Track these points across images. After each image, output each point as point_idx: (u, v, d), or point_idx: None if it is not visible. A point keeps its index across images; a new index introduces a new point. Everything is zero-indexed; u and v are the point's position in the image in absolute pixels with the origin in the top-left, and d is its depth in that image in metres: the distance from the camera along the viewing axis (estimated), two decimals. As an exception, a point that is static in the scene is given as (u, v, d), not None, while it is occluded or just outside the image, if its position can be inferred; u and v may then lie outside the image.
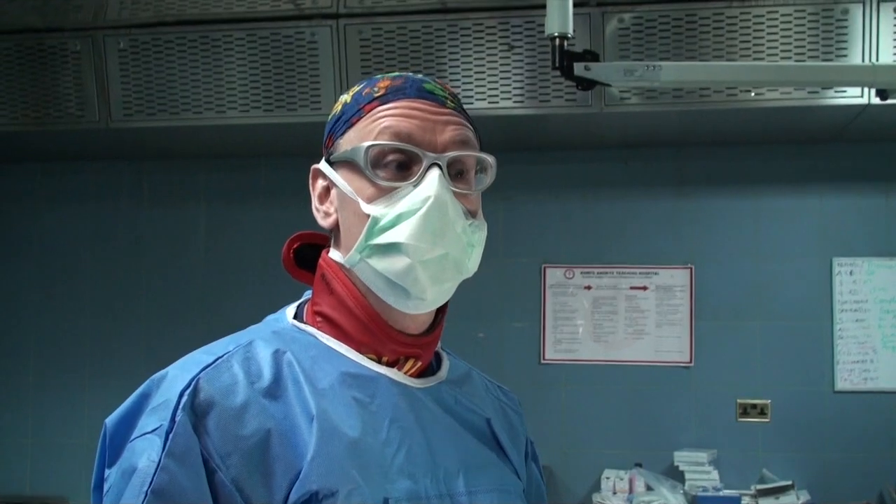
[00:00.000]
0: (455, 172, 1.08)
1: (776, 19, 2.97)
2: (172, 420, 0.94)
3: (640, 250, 3.57)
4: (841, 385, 3.42)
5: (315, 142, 1.20)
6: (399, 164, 1.06)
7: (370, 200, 1.06)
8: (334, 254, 1.12)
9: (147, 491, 0.92)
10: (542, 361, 3.60)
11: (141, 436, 0.96)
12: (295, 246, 1.18)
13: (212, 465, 0.94)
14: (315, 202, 1.15)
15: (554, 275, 3.62)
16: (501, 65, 3.10)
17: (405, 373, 1.10)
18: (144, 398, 1.00)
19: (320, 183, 1.14)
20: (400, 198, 1.05)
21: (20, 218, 3.94)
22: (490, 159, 1.11)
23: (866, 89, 2.91)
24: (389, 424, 1.03)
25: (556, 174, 3.65)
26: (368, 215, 1.05)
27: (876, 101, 2.48)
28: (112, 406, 1.03)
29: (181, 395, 0.96)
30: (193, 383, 0.97)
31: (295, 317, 1.13)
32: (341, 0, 3.14)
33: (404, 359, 1.10)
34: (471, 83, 3.11)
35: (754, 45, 2.99)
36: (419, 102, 1.08)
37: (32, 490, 3.78)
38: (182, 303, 3.79)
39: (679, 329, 3.53)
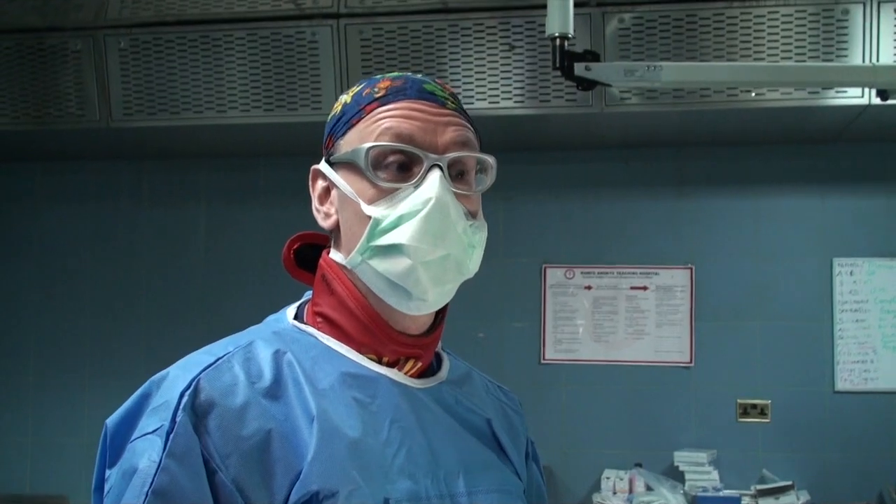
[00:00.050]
0: (456, 173, 1.08)
1: (776, 19, 2.97)
2: (173, 420, 0.94)
3: (640, 250, 3.57)
4: (841, 385, 3.42)
5: (316, 142, 1.20)
6: (400, 166, 1.06)
7: (371, 202, 1.05)
8: (335, 254, 1.12)
9: (148, 491, 0.92)
10: (543, 361, 3.60)
11: (141, 436, 0.96)
12: (295, 246, 1.18)
13: (212, 466, 0.94)
14: (315, 203, 1.14)
15: (554, 275, 3.62)
16: (502, 65, 3.10)
17: (406, 373, 1.10)
18: (145, 399, 1.00)
19: (320, 184, 1.14)
20: (401, 199, 1.04)
21: (20, 217, 3.94)
22: (491, 160, 1.11)
23: (867, 90, 2.91)
24: (390, 425, 1.03)
25: (557, 174, 3.65)
26: (370, 216, 1.05)
27: (876, 101, 2.48)
28: (112, 405, 1.03)
29: (182, 396, 0.96)
30: (194, 384, 0.97)
31: (295, 317, 1.13)
32: (342, 0, 3.14)
33: (405, 359, 1.10)
34: (471, 83, 3.11)
35: (755, 45, 2.98)
36: (420, 103, 1.08)
37: (32, 489, 3.78)
38: (182, 302, 3.79)
39: (679, 329, 3.53)
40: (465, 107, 1.15)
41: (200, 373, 0.98)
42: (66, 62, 3.31)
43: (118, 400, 1.04)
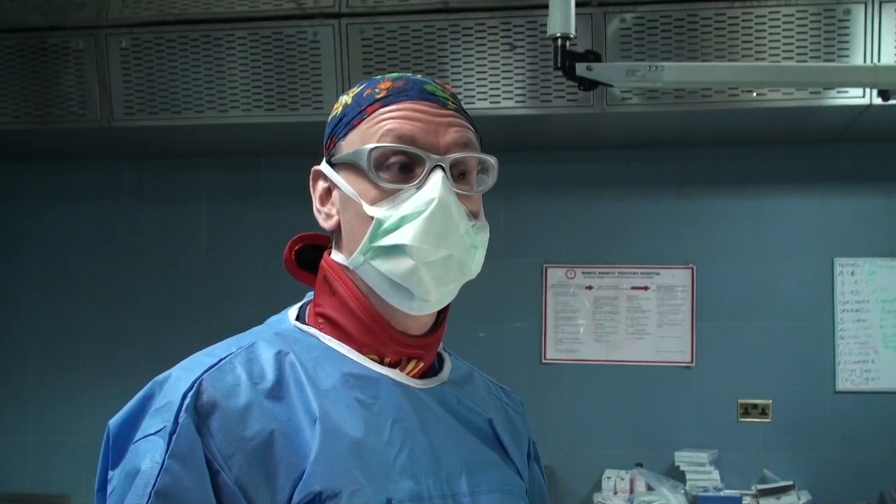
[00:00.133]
0: (457, 174, 1.08)
1: (778, 20, 2.97)
2: (176, 421, 0.94)
3: (641, 250, 3.57)
4: (842, 385, 3.42)
5: (317, 141, 1.20)
6: (402, 166, 1.06)
7: (373, 202, 1.06)
8: (336, 255, 1.12)
9: (151, 492, 0.92)
10: (544, 361, 3.60)
11: (144, 437, 0.96)
12: (296, 247, 1.18)
13: (215, 467, 0.94)
14: (316, 203, 1.15)
15: (555, 275, 3.62)
16: (503, 65, 3.10)
17: (407, 374, 1.10)
18: (147, 400, 1.00)
19: (321, 184, 1.14)
20: (403, 200, 1.05)
21: (21, 216, 3.95)
22: (492, 160, 1.11)
23: (868, 90, 2.91)
24: (392, 425, 1.03)
25: (558, 174, 3.65)
26: (372, 217, 1.05)
27: (877, 101, 2.48)
28: (113, 405, 1.03)
29: (184, 397, 0.96)
30: (196, 385, 0.97)
31: (297, 318, 1.14)
32: (343, 0, 3.14)
33: (406, 360, 1.10)
34: (472, 83, 3.11)
35: (756, 45, 2.98)
36: (421, 104, 1.08)
37: (33, 488, 3.78)
38: (183, 302, 3.80)
39: (680, 329, 3.53)
40: (465, 107, 1.16)
41: (203, 374, 0.98)
42: (68, 61, 3.32)
43: (119, 399, 1.04)
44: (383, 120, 1.07)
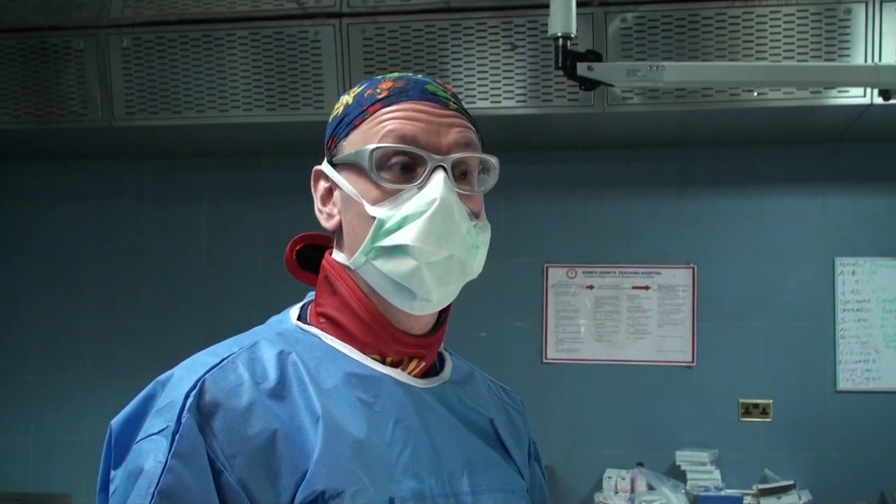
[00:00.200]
0: (459, 174, 1.08)
1: (779, 19, 2.97)
2: (178, 421, 0.95)
3: (642, 250, 3.57)
4: (843, 385, 3.42)
5: (318, 141, 1.21)
6: (403, 167, 1.06)
7: (375, 202, 1.06)
8: (338, 255, 1.13)
9: (154, 492, 0.92)
10: (544, 361, 3.60)
11: (147, 437, 0.96)
12: (297, 247, 1.18)
13: (218, 466, 0.94)
14: (318, 203, 1.15)
15: (556, 274, 3.62)
16: (504, 64, 3.10)
17: (409, 373, 1.10)
18: (150, 400, 1.00)
19: (322, 184, 1.14)
20: (405, 200, 1.05)
21: (22, 216, 3.95)
22: (493, 160, 1.11)
23: (869, 89, 2.91)
24: (394, 424, 1.03)
25: (559, 174, 3.65)
26: (374, 217, 1.05)
27: (878, 101, 2.48)
28: (113, 404, 1.03)
29: (187, 397, 0.96)
30: (199, 384, 0.97)
31: (299, 318, 1.14)
32: (344, -1, 3.15)
33: (408, 359, 1.10)
34: (473, 83, 3.11)
35: (757, 44, 2.98)
36: (423, 104, 1.08)
37: (34, 488, 3.78)
38: (183, 302, 3.80)
39: (681, 329, 3.53)
40: (466, 106, 1.16)
41: (205, 373, 0.98)
42: (69, 61, 3.32)
43: (120, 398, 1.04)
44: (385, 120, 1.07)
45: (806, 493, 3.27)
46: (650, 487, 3.31)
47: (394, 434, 1.03)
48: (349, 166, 1.09)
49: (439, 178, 1.04)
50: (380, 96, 1.09)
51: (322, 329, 1.10)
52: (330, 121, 1.15)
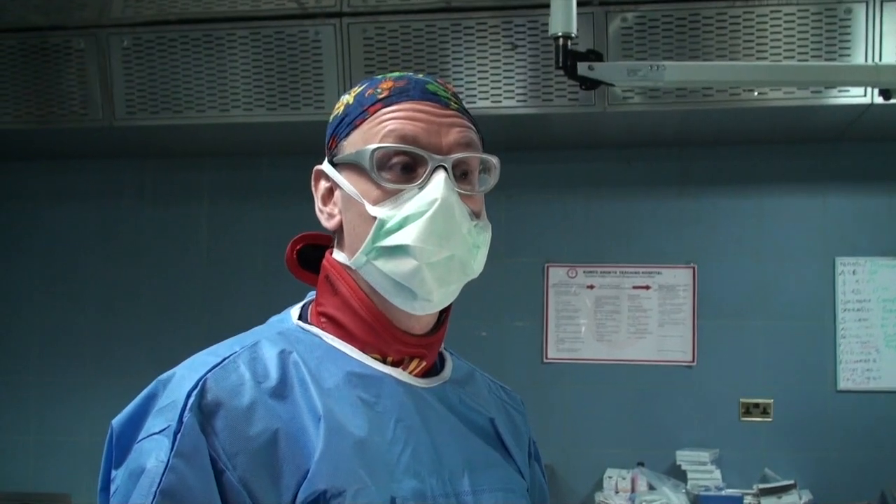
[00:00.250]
0: (459, 174, 1.08)
1: (779, 19, 2.97)
2: (180, 420, 0.95)
3: (642, 250, 3.57)
4: (843, 384, 3.42)
5: (318, 141, 1.20)
6: (404, 167, 1.06)
7: (376, 202, 1.06)
8: (338, 255, 1.13)
9: (156, 491, 0.92)
10: (545, 360, 3.60)
11: (148, 436, 0.96)
12: (298, 247, 1.18)
13: (220, 466, 0.94)
14: (318, 203, 1.15)
15: (556, 274, 3.62)
16: (505, 64, 3.10)
17: (410, 373, 1.10)
18: (151, 399, 1.00)
19: (323, 184, 1.14)
20: (406, 200, 1.05)
21: (23, 216, 3.95)
22: (494, 160, 1.11)
23: (869, 89, 2.91)
24: (395, 424, 1.04)
25: (559, 173, 3.65)
26: (374, 217, 1.05)
27: (879, 100, 2.49)
28: (114, 404, 1.03)
29: (189, 396, 0.96)
30: (201, 384, 0.97)
31: (299, 317, 1.14)
32: (344, -1, 3.15)
33: (409, 359, 1.10)
34: (474, 82, 3.11)
35: (757, 44, 2.98)
36: (423, 104, 1.08)
37: (35, 487, 3.78)
38: (184, 302, 3.80)
39: (682, 328, 3.53)
40: (467, 106, 1.16)
41: (207, 373, 0.98)
42: (69, 61, 3.32)
43: (120, 398, 1.04)
44: (385, 120, 1.07)
45: (806, 493, 3.27)
46: (651, 487, 3.31)
47: (395, 433, 1.03)
48: (350, 166, 1.09)
49: (440, 178, 1.04)
50: (380, 96, 1.09)
51: (323, 329, 1.10)
52: (330, 120, 1.15)
